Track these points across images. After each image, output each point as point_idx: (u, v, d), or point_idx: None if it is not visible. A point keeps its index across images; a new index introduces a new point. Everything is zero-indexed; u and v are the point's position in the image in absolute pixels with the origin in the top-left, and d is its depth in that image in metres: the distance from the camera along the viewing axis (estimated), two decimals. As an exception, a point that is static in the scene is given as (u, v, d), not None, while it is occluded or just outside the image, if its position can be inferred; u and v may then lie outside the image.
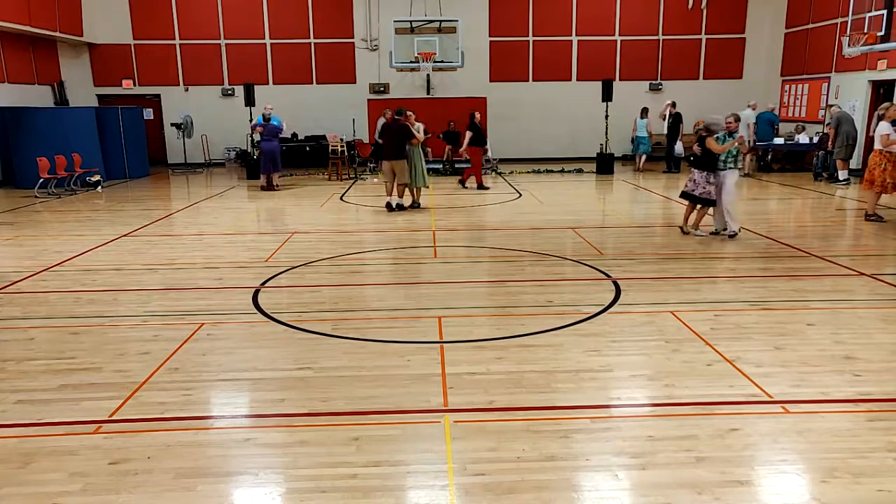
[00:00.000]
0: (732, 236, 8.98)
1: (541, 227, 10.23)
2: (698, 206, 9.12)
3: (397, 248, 8.81)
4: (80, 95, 19.36)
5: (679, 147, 17.45)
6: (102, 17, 19.22)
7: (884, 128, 9.72)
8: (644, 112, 17.89)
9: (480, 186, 14.76)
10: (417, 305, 6.32)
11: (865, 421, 3.91)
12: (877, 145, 9.84)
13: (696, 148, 9.01)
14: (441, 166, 17.98)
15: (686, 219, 9.32)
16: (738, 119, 8.98)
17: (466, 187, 14.85)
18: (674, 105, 17.40)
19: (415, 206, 12.11)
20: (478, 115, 14.76)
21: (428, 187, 12.40)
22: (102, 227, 10.52)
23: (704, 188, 8.86)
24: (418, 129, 12.09)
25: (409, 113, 12.20)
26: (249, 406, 4.34)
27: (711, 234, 9.17)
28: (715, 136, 8.79)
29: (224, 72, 20.01)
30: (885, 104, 10.18)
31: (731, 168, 8.86)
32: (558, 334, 5.41)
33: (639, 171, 17.87)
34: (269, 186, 14.80)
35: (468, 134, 14.45)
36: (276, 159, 14.67)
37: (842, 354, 4.91)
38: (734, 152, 8.82)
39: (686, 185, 9.15)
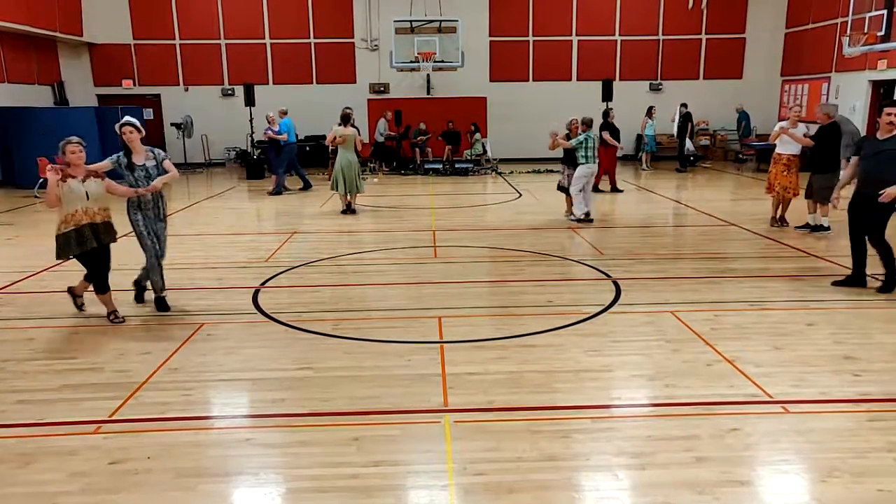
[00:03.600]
0: (582, 221, 10.35)
1: (541, 227, 10.23)
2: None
3: (397, 248, 8.81)
4: (80, 95, 19.34)
5: (689, 145, 17.65)
6: (102, 17, 19.21)
7: (781, 123, 9.47)
8: (650, 111, 17.95)
9: (614, 188, 13.88)
10: (417, 305, 6.32)
11: (865, 421, 3.91)
12: (778, 149, 9.59)
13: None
14: (441, 166, 17.97)
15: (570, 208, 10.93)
16: (589, 123, 10.37)
17: (601, 190, 13.73)
18: (685, 106, 17.57)
19: (344, 211, 11.56)
20: (612, 113, 13.96)
21: (348, 193, 11.41)
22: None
23: (569, 179, 10.54)
24: (352, 134, 11.29)
25: (347, 111, 11.62)
26: (249, 406, 4.35)
27: (578, 217, 10.48)
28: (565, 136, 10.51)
29: (224, 72, 20.00)
30: (793, 106, 10.01)
31: (582, 163, 10.27)
32: (559, 334, 5.41)
33: (644, 168, 17.93)
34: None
35: (605, 134, 13.44)
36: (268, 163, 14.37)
37: (842, 354, 4.91)
38: (586, 151, 10.23)
39: (561, 182, 10.87)
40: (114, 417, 4.06)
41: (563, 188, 10.86)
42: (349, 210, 11.55)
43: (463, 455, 3.58)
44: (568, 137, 10.47)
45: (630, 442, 3.70)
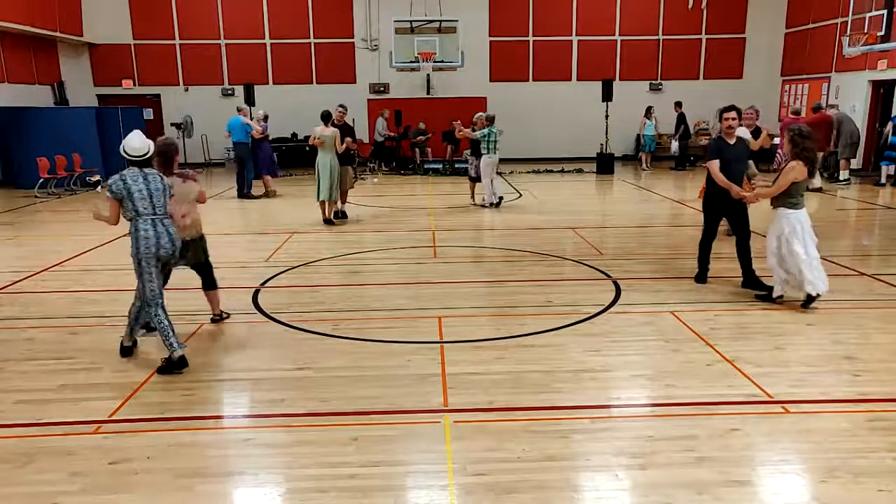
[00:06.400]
0: (494, 205, 11.78)
1: (541, 227, 10.22)
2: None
3: (397, 248, 8.81)
4: (80, 95, 19.34)
5: (674, 146, 17.71)
6: (102, 17, 19.21)
7: (745, 130, 9.47)
8: (648, 111, 17.92)
9: None
10: (417, 305, 6.32)
11: (865, 421, 3.91)
12: None
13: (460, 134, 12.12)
14: (441, 166, 17.97)
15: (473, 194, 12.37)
16: (491, 119, 11.60)
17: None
18: (679, 105, 17.54)
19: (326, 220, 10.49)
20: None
21: (320, 200, 10.31)
22: (102, 227, 10.45)
23: (476, 169, 11.87)
24: (331, 134, 10.00)
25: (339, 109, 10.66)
26: (249, 406, 4.35)
27: (485, 204, 11.87)
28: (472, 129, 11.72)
29: (224, 72, 20.01)
30: (748, 109, 9.97)
31: (485, 154, 11.49)
32: (558, 334, 5.41)
33: (645, 168, 17.90)
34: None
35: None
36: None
37: (842, 354, 4.91)
38: (489, 143, 11.42)
39: (469, 171, 12.22)
40: (114, 417, 4.06)
41: (471, 177, 12.18)
42: (330, 219, 10.44)
43: (463, 455, 3.58)
44: (473, 131, 11.74)
45: (630, 442, 3.70)
